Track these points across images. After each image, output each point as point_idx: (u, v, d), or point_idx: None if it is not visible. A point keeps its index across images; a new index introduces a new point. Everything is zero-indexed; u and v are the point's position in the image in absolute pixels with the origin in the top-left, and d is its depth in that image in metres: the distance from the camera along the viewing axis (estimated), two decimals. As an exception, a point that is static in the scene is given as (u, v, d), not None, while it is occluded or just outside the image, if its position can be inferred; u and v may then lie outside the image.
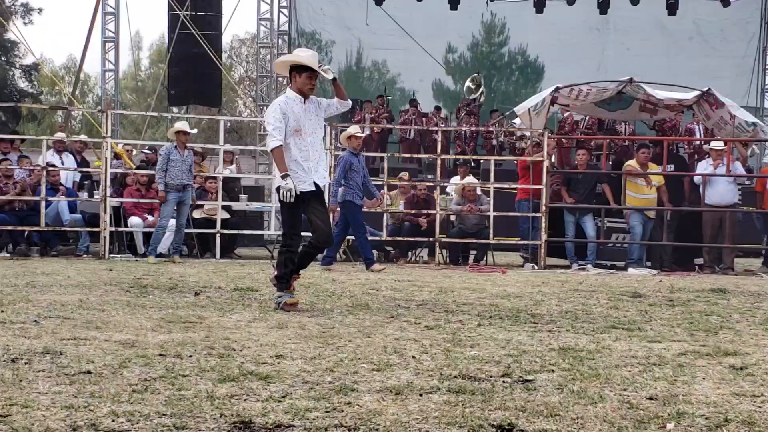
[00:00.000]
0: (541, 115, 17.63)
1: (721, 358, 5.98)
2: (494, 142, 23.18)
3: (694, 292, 10.96)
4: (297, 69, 8.53)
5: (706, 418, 4.22)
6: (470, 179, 17.11)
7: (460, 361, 5.66)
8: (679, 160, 17.88)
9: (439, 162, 16.82)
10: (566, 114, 21.18)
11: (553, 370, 5.42)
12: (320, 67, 8.52)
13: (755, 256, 18.77)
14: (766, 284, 13.17)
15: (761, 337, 7.25)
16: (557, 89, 17.77)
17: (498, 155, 21.26)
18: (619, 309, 9.02)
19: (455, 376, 5.13)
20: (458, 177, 17.89)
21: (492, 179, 16.33)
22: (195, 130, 16.52)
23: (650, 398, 4.67)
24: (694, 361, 5.88)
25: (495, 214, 16.09)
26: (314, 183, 8.50)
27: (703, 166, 16.31)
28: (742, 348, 6.48)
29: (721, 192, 15.96)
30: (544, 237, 15.87)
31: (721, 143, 16.36)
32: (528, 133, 17.27)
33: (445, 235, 16.71)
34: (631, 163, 16.32)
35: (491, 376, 5.18)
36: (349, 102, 9.08)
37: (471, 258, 17.13)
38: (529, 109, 17.57)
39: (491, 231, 16.08)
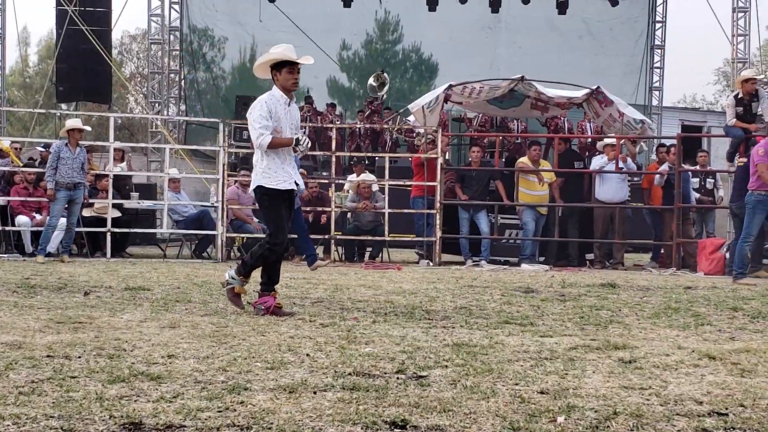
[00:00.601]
0: (435, 112, 17.75)
1: (610, 352, 6.07)
2: (388, 139, 23.22)
3: (585, 287, 11.14)
4: (276, 67, 8.22)
5: (596, 411, 4.28)
6: (366, 176, 17.14)
7: (355, 358, 5.64)
8: (576, 157, 18.16)
9: (333, 159, 16.80)
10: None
11: (446, 366, 5.44)
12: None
13: (644, 252, 19.18)
14: (654, 279, 13.45)
15: (650, 330, 7.40)
16: (450, 87, 17.91)
17: (393, 152, 21.33)
18: (512, 304, 9.11)
19: (350, 374, 5.11)
20: (354, 174, 17.89)
21: (387, 176, 16.35)
22: (89, 128, 16.17)
23: (541, 392, 4.72)
24: (585, 355, 5.96)
25: (390, 211, 16.13)
26: (295, 183, 8.28)
27: (597, 163, 16.57)
28: (631, 341, 6.59)
29: (612, 189, 16.25)
30: (438, 233, 15.96)
31: (614, 140, 16.66)
32: (422, 130, 17.35)
33: (340, 233, 16.70)
34: (523, 160, 16.52)
35: (385, 373, 5.17)
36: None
37: (366, 255, 17.14)
38: (423, 106, 17.66)
39: (386, 228, 16.11)
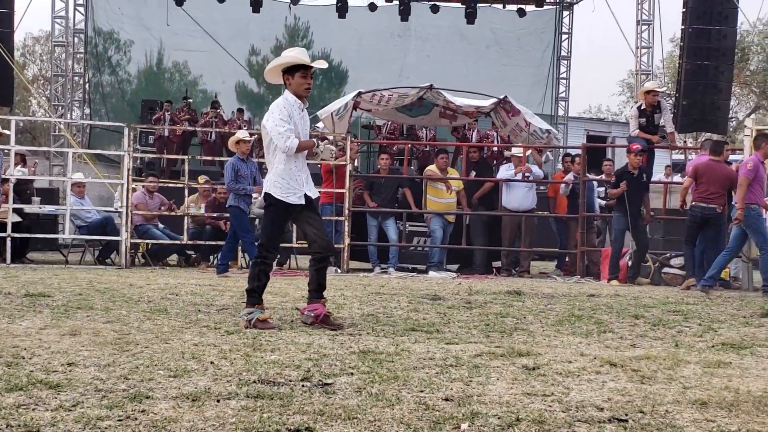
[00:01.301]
0: (344, 119, 17.73)
1: (514, 359, 6.13)
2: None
3: (491, 295, 11.22)
4: (288, 71, 8.00)
5: (499, 418, 4.31)
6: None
7: (260, 365, 5.60)
8: (485, 164, 18.29)
9: (241, 166, 16.65)
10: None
11: (352, 373, 5.43)
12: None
13: (550, 260, 19.40)
14: (559, 286, 13.61)
15: (553, 337, 7.48)
16: (359, 94, 17.92)
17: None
18: (419, 312, 9.14)
19: (254, 381, 5.07)
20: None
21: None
22: (8, 132, 15.77)
23: (446, 399, 4.74)
24: (489, 362, 6.01)
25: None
26: (305, 195, 8.05)
27: (504, 172, 16.71)
28: (535, 348, 6.66)
29: (519, 197, 16.41)
30: (347, 241, 15.94)
31: (521, 149, 16.82)
32: (331, 137, 17.31)
33: (247, 239, 16.57)
34: (432, 168, 16.60)
35: (291, 381, 5.15)
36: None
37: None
38: (332, 113, 17.63)
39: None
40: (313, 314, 7.80)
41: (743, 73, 42.49)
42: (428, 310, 9.28)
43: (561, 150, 21.89)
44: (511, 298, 10.86)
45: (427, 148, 20.39)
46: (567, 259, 17.13)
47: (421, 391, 4.94)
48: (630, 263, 14.99)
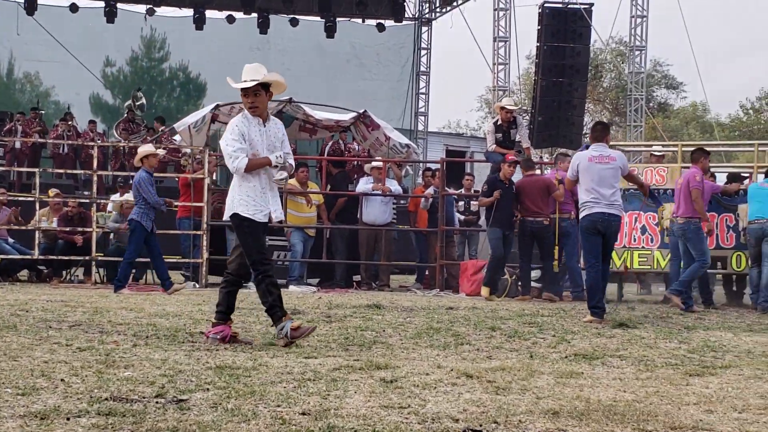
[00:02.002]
0: (202, 132, 17.56)
1: (373, 372, 6.14)
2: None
3: (351, 308, 11.22)
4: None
5: (355, 431, 4.30)
6: (130, 196, 16.70)
7: (113, 382, 5.48)
8: (346, 178, 18.33)
9: (95, 178, 16.30)
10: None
11: (208, 389, 5.36)
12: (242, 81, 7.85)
13: (411, 273, 19.56)
14: (418, 299, 13.70)
15: (412, 350, 7.53)
16: (218, 107, 17.77)
17: (160, 172, 20.93)
18: (278, 326, 9.07)
19: (106, 399, 4.95)
20: (117, 194, 17.45)
21: (153, 196, 15.96)
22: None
23: (303, 413, 4.71)
24: (348, 375, 6.00)
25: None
26: (269, 216, 7.86)
27: (362, 185, 16.77)
28: (393, 361, 6.69)
29: (376, 211, 16.49)
30: (205, 255, 15.76)
31: (380, 163, 16.92)
32: (189, 150, 17.12)
33: (102, 254, 16.22)
34: (292, 182, 16.56)
35: (144, 397, 5.04)
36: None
37: (130, 277, 16.69)
38: (189, 126, 17.44)
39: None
40: (219, 336, 7.66)
41: (596, 90, 43.74)
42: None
43: (421, 164, 22.12)
44: (370, 312, 10.88)
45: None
46: (427, 273, 17.29)
47: (278, 406, 4.90)
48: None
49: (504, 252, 14.60)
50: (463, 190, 17.94)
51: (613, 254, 14.52)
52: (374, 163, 17.04)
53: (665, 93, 48.96)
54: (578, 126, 24.26)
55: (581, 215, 11.21)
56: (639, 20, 28.06)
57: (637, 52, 28.86)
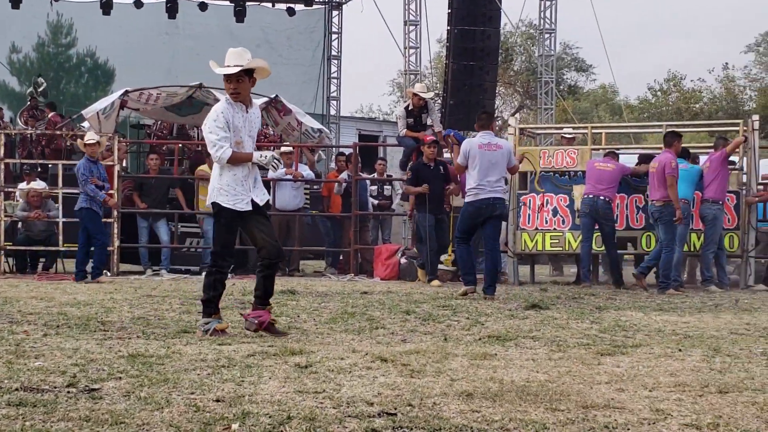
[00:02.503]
0: (111, 118, 17.30)
1: (287, 358, 6.12)
2: (63, 146, 22.33)
3: (264, 294, 11.15)
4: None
5: (270, 417, 4.29)
6: (36, 184, 16.39)
7: (23, 372, 5.38)
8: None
9: (2, 166, 15.96)
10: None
11: (121, 378, 5.29)
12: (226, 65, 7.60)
13: (323, 258, 19.53)
14: (333, 284, 13.72)
15: (326, 335, 7.53)
16: (126, 93, 17.52)
17: (68, 159, 20.56)
18: (192, 313, 9.00)
19: (16, 389, 4.87)
20: (24, 182, 17.10)
21: (60, 184, 15.72)
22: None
23: (217, 400, 4.68)
24: (262, 361, 5.97)
25: (64, 220, 15.52)
26: (252, 201, 7.62)
27: (281, 171, 16.67)
28: (308, 347, 6.67)
29: (287, 196, 16.43)
30: (116, 243, 15.55)
31: (291, 148, 16.85)
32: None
33: (11, 243, 15.91)
34: (204, 168, 16.41)
35: (55, 387, 4.96)
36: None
37: (40, 266, 16.41)
38: (98, 112, 17.17)
39: (60, 237, 15.51)
40: (257, 321, 7.46)
41: (507, 74, 44.12)
42: (201, 312, 9.14)
43: (334, 149, 22.08)
44: (285, 298, 10.85)
45: (199, 148, 20.12)
46: (341, 258, 17.29)
47: (192, 393, 4.86)
48: (403, 259, 15.25)
49: (437, 237, 14.43)
50: (376, 175, 17.94)
51: (525, 236, 14.82)
52: (284, 149, 16.94)
53: (575, 75, 49.64)
54: (489, 109, 24.39)
55: (467, 200, 11.98)
56: (548, 3, 28.35)
57: (546, 35, 29.16)
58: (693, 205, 13.87)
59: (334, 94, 30.45)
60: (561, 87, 42.57)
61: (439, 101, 24.44)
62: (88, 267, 13.81)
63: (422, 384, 5.23)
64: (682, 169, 13.74)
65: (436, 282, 13.89)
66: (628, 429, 4.23)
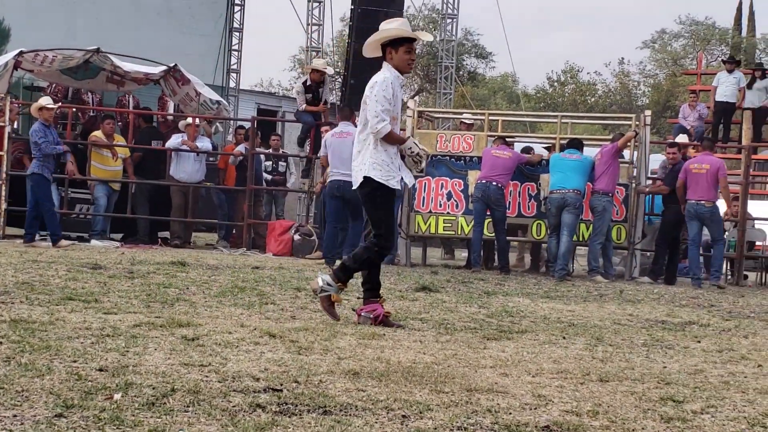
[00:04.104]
0: (4, 79, 16.85)
1: (174, 329, 6.06)
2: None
3: (155, 265, 11.05)
4: (391, 44, 7.22)
5: (153, 388, 4.24)
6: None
7: None
8: (157, 134, 17.95)
9: None
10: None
11: (1, 343, 5.19)
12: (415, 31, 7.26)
13: (216, 231, 19.37)
14: (224, 258, 13.62)
15: (215, 308, 7.48)
16: (21, 53, 17.08)
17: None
18: (78, 281, 8.86)
19: None
20: None
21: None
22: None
23: (100, 369, 4.61)
24: (148, 332, 5.91)
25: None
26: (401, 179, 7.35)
27: (174, 141, 16.47)
28: (196, 319, 6.62)
29: (188, 168, 16.26)
30: (3, 206, 15.19)
31: (197, 120, 16.65)
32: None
33: None
34: (97, 134, 16.11)
35: (-69, 352, 4.83)
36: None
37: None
38: (-9, 71, 16.71)
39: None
40: (371, 315, 7.13)
41: (408, 56, 44.14)
42: (88, 279, 9.01)
43: (232, 122, 21.88)
44: (174, 269, 10.75)
45: (93, 113, 19.74)
46: (234, 231, 17.17)
47: (75, 361, 4.78)
48: (296, 236, 15.22)
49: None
50: (271, 150, 17.84)
51: (418, 218, 14.92)
52: (189, 120, 16.74)
53: (475, 62, 49.94)
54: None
55: (327, 182, 13.37)
56: (452, -11, 28.49)
57: (448, 20, 29.32)
58: (584, 196, 14.10)
59: (235, 67, 30.09)
60: (461, 73, 42.81)
61: (340, 80, 24.35)
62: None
63: (309, 361, 5.23)
64: (574, 159, 13.99)
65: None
66: (510, 413, 4.29)
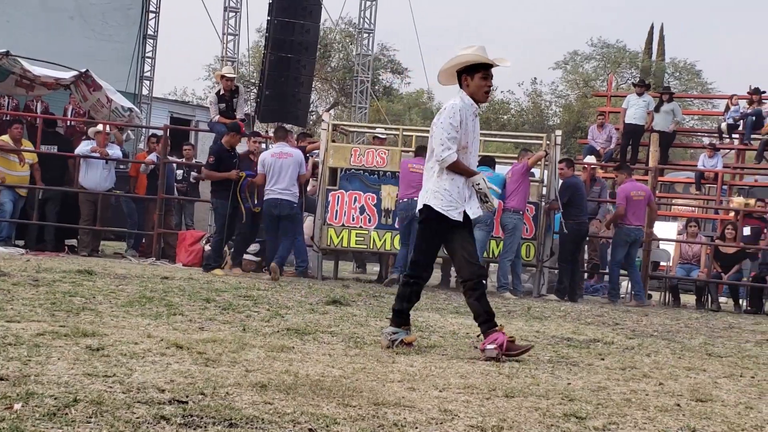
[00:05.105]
0: None
1: (79, 339, 5.96)
2: None
3: (60, 273, 10.84)
4: (466, 71, 7.01)
5: (56, 398, 4.16)
6: None
7: None
8: (61, 140, 17.67)
9: None
10: None
11: None
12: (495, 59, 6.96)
13: (125, 240, 19.11)
14: (133, 267, 13.44)
15: (122, 318, 7.37)
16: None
17: None
18: (-18, 287, 8.66)
19: None
20: None
21: None
22: None
23: (1, 379, 4.51)
24: (52, 341, 5.80)
25: None
26: (464, 213, 7.08)
27: (83, 148, 16.19)
28: (101, 329, 6.52)
29: (97, 176, 16.01)
30: None
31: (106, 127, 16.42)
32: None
33: None
34: (4, 138, 15.80)
35: None
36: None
37: None
38: None
39: None
40: (495, 346, 6.85)
41: (324, 69, 44.20)
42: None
43: (144, 129, 21.64)
44: (81, 278, 10.56)
45: (7, 117, 19.33)
46: (144, 241, 16.96)
47: (-28, 372, 4.67)
48: (207, 246, 15.08)
49: (241, 228, 14.24)
50: (184, 160, 17.69)
51: (331, 231, 14.90)
52: (99, 127, 16.49)
53: (390, 77, 50.18)
54: (305, 103, 24.43)
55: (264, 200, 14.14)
56: (368, 3, 28.63)
57: (365, 35, 29.42)
58: (494, 214, 14.22)
59: (148, 74, 29.78)
60: (376, 87, 43.00)
61: (255, 90, 24.25)
62: None
63: (216, 373, 5.19)
64: (487, 177, 14.11)
65: (218, 271, 13.63)
66: (416, 428, 4.30)
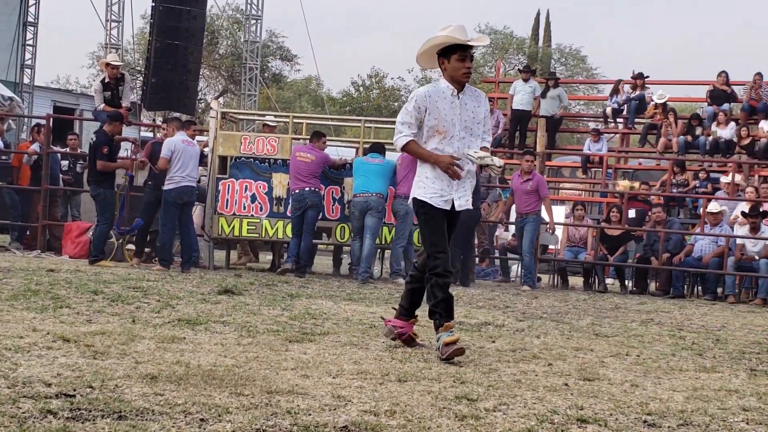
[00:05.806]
0: None
1: (-39, 334, 5.79)
2: None
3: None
4: (443, 53, 6.63)
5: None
6: None
7: None
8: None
9: None
10: None
11: None
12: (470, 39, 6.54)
13: (8, 232, 18.64)
14: (18, 260, 13.13)
15: (6, 312, 7.20)
16: None
17: None
18: None
19: None
20: None
21: None
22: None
23: None
24: (-68, 337, 5.63)
25: None
26: (452, 203, 6.68)
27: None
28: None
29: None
30: None
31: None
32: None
33: None
34: None
35: None
36: None
37: None
38: None
39: None
40: (396, 331, 6.87)
41: (212, 56, 43.70)
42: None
43: (26, 119, 21.14)
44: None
45: None
46: (28, 233, 16.56)
47: None
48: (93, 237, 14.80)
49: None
50: (68, 150, 17.32)
51: (222, 221, 14.78)
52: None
53: (280, 64, 49.89)
54: (192, 91, 24.05)
55: (169, 187, 13.54)
56: (256, -10, 28.41)
57: (253, 21, 29.22)
58: (387, 200, 14.26)
59: (29, 62, 29.12)
60: (265, 74, 42.66)
61: (141, 78, 23.86)
62: None
63: (105, 366, 5.09)
64: (376, 164, 14.14)
65: (106, 263, 13.46)
66: (310, 414, 4.29)
